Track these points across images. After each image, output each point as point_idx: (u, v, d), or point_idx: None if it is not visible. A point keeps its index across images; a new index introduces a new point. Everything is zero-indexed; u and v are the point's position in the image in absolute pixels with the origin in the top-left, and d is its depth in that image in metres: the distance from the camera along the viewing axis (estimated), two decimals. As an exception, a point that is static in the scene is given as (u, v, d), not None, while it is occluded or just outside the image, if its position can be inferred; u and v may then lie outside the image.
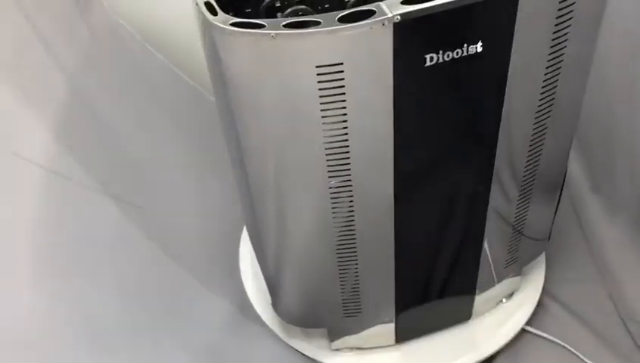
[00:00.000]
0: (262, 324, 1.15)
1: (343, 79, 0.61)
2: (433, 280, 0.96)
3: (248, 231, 1.09)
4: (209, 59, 0.71)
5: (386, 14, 0.58)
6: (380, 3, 0.60)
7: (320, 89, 0.62)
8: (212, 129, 1.36)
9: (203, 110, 1.34)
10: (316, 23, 0.58)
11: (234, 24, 0.60)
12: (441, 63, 0.63)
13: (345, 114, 0.65)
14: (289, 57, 0.61)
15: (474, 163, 0.80)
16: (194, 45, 1.30)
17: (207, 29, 0.63)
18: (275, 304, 1.03)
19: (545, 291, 1.19)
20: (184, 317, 1.11)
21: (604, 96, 1.22)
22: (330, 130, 0.67)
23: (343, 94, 0.63)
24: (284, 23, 0.58)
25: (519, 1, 0.62)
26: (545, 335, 1.14)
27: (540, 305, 1.17)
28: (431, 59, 0.62)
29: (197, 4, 0.63)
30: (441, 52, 0.62)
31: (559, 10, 0.66)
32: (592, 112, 1.28)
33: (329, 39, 0.58)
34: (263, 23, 0.59)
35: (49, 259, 0.98)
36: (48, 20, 1.02)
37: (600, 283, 1.21)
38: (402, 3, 0.59)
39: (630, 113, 1.14)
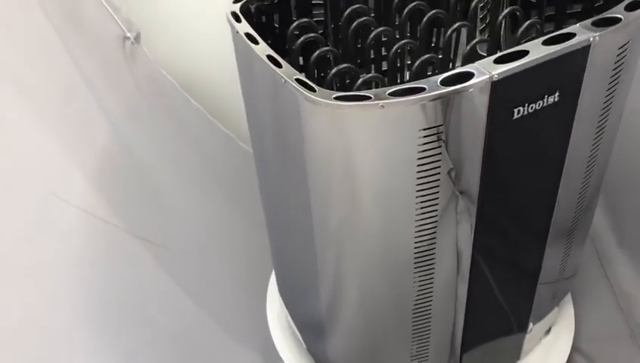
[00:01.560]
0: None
1: (442, 139, 0.64)
2: (495, 322, 0.98)
3: (282, 279, 1.10)
4: (283, 129, 0.72)
5: (486, 75, 0.61)
6: (475, 64, 0.62)
7: (420, 151, 0.64)
8: (243, 176, 1.39)
9: (235, 156, 1.36)
10: (421, 90, 0.61)
11: (338, 98, 0.61)
12: (525, 115, 0.66)
13: (439, 173, 0.67)
14: (394, 125, 0.63)
15: (541, 213, 0.83)
16: (228, 96, 1.35)
17: (300, 103, 0.64)
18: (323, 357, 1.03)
19: (575, 348, 1.18)
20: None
21: (631, 149, 1.23)
22: (424, 190, 0.68)
23: (440, 154, 0.65)
24: (389, 91, 0.61)
25: (589, 53, 0.66)
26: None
27: (570, 362, 1.16)
28: (518, 112, 0.66)
29: (285, 80, 0.64)
30: (527, 104, 0.66)
31: (615, 62, 0.70)
32: (619, 165, 1.29)
33: (434, 103, 0.61)
34: (369, 95, 0.61)
35: (86, 301, 0.99)
36: (97, 66, 1.06)
37: (631, 341, 1.20)
38: (495, 62, 0.62)
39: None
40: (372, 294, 0.83)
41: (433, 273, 0.79)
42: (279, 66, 0.66)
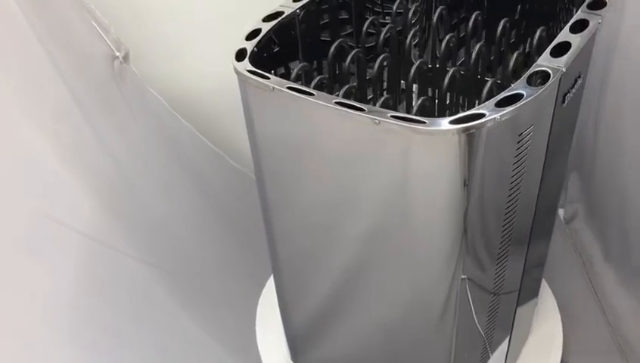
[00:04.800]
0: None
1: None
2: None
3: (282, 297, 1.11)
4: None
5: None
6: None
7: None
8: (233, 194, 1.39)
9: (225, 174, 1.37)
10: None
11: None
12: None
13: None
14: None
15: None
16: (218, 114, 1.36)
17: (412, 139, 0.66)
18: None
19: (563, 362, 1.19)
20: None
21: (618, 164, 1.25)
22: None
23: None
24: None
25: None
26: (564, 407, 1.13)
27: (558, 377, 1.17)
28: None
29: (378, 121, 0.66)
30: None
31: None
32: (606, 180, 1.31)
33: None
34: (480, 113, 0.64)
35: (85, 322, 0.99)
36: (86, 85, 1.06)
37: (618, 354, 1.22)
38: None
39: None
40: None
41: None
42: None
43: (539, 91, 0.65)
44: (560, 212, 1.52)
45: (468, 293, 0.81)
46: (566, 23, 0.77)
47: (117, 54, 1.14)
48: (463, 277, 0.78)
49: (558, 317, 1.27)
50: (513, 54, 0.82)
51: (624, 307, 1.28)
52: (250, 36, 0.81)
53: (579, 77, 0.75)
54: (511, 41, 0.95)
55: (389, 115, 0.65)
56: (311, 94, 0.70)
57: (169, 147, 1.23)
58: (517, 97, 0.65)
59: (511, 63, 0.81)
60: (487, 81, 0.79)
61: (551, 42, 0.73)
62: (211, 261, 1.29)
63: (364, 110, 0.66)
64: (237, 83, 0.79)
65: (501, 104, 0.64)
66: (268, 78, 0.73)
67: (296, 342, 1.09)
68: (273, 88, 0.72)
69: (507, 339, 1.06)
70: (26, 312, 0.92)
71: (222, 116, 1.33)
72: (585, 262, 1.41)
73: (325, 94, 0.70)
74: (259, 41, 0.81)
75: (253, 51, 0.78)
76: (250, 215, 1.41)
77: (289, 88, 0.71)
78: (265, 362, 1.23)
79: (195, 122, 1.30)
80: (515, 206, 0.78)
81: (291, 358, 1.13)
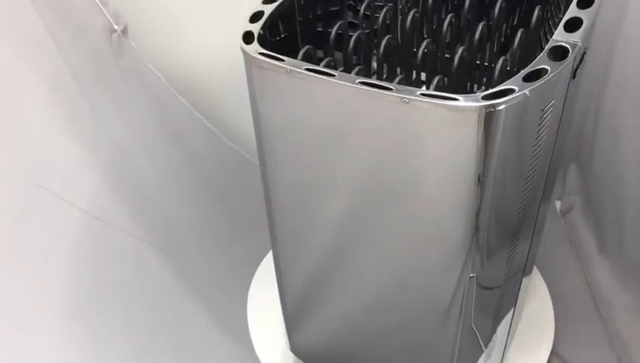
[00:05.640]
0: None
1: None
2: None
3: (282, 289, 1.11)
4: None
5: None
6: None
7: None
8: (228, 173, 1.38)
9: (220, 153, 1.36)
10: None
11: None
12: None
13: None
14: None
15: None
16: (215, 92, 1.34)
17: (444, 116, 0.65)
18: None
19: (553, 353, 1.19)
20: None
21: (615, 160, 1.25)
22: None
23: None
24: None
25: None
26: (554, 398, 1.13)
27: (549, 366, 1.17)
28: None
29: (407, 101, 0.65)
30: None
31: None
32: (604, 171, 1.31)
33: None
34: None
35: (80, 296, 0.99)
36: (83, 57, 1.05)
37: (609, 348, 1.21)
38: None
39: (640, 176, 1.17)
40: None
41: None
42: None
43: (562, 66, 0.65)
44: (557, 204, 1.51)
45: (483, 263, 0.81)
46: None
47: (115, 27, 1.13)
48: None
49: (551, 308, 1.27)
50: (516, 33, 0.81)
51: (617, 301, 1.28)
52: (254, 18, 0.79)
53: (585, 53, 0.74)
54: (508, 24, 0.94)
55: (418, 93, 0.64)
56: (331, 75, 0.68)
57: (165, 123, 1.22)
58: (541, 73, 0.65)
59: (516, 42, 0.80)
60: (496, 61, 0.78)
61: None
62: (203, 239, 1.28)
63: (391, 89, 0.65)
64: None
65: (527, 80, 0.64)
66: (282, 60, 0.71)
67: (295, 325, 1.08)
68: (290, 70, 0.70)
69: (508, 329, 1.06)
70: (17, 281, 0.91)
71: (219, 94, 1.32)
72: (579, 255, 1.40)
73: (347, 74, 0.68)
74: (265, 24, 0.78)
75: (259, 34, 0.76)
76: (243, 194, 1.41)
77: (307, 69, 0.69)
78: (256, 344, 1.23)
79: (192, 100, 1.28)
80: (531, 186, 0.78)
81: (290, 345, 1.12)
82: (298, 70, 0.69)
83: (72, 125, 1.00)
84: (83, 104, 1.04)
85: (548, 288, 1.31)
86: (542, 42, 0.85)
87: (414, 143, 0.68)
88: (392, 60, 0.90)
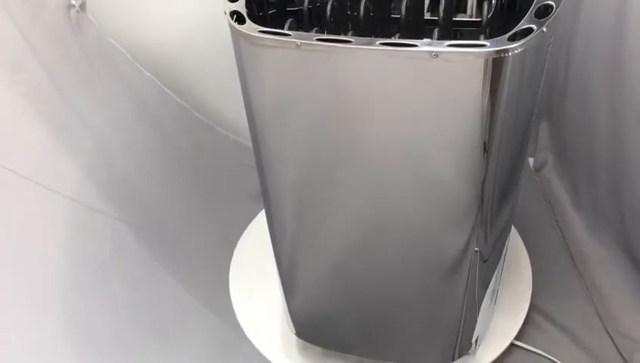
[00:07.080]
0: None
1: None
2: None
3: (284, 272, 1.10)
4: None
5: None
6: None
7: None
8: (198, 147, 1.37)
9: (190, 127, 1.34)
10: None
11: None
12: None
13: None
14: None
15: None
16: (181, 65, 1.32)
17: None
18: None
19: (532, 306, 1.20)
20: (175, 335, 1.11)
21: (586, 113, 1.25)
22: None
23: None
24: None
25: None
26: (533, 349, 1.15)
27: (528, 319, 1.18)
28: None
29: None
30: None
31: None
32: (575, 124, 1.32)
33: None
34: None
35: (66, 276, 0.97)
36: (42, 35, 1.01)
37: (586, 299, 1.23)
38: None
39: (611, 128, 1.17)
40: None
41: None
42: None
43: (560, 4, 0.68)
44: (530, 160, 1.52)
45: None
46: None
47: (73, 2, 1.10)
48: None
49: (528, 263, 1.28)
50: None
51: (593, 253, 1.30)
52: None
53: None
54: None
55: (446, 44, 0.63)
56: (348, 42, 0.66)
57: (132, 99, 1.20)
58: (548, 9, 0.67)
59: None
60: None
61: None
62: (177, 214, 1.26)
63: (416, 45, 0.64)
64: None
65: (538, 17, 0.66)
66: (289, 35, 0.68)
67: (295, 299, 1.07)
68: (300, 43, 0.67)
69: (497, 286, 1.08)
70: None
71: (185, 69, 1.29)
72: (554, 210, 1.42)
73: (363, 38, 0.66)
74: (247, 2, 0.75)
75: (247, 12, 0.73)
76: (215, 168, 1.39)
77: (319, 39, 0.67)
78: (240, 317, 1.23)
79: (158, 75, 1.25)
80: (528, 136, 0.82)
81: (291, 320, 1.11)
82: (310, 42, 0.67)
83: (37, 104, 0.98)
84: (47, 83, 1.01)
85: (525, 244, 1.32)
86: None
87: (439, 96, 0.68)
88: (369, 24, 0.88)
